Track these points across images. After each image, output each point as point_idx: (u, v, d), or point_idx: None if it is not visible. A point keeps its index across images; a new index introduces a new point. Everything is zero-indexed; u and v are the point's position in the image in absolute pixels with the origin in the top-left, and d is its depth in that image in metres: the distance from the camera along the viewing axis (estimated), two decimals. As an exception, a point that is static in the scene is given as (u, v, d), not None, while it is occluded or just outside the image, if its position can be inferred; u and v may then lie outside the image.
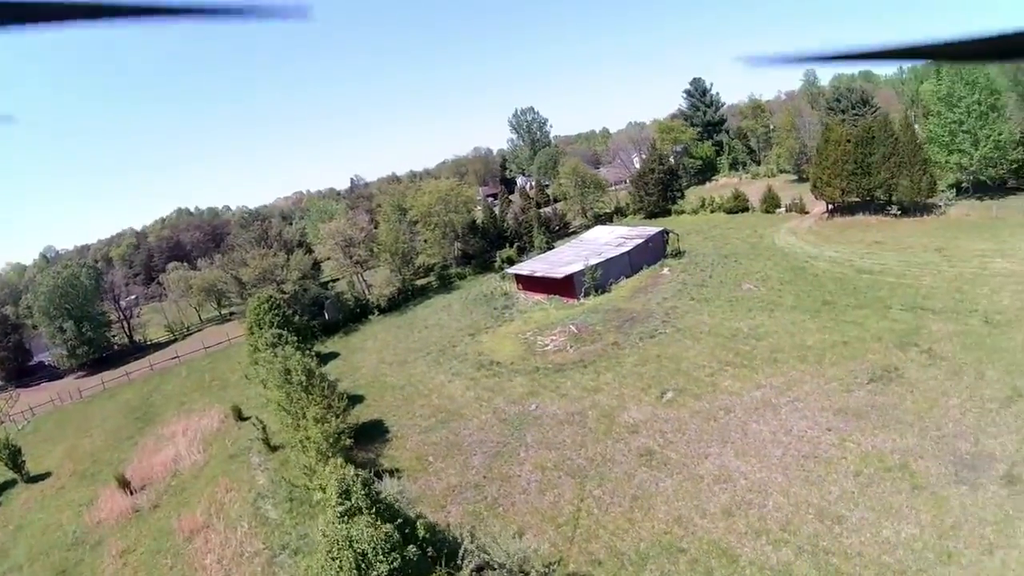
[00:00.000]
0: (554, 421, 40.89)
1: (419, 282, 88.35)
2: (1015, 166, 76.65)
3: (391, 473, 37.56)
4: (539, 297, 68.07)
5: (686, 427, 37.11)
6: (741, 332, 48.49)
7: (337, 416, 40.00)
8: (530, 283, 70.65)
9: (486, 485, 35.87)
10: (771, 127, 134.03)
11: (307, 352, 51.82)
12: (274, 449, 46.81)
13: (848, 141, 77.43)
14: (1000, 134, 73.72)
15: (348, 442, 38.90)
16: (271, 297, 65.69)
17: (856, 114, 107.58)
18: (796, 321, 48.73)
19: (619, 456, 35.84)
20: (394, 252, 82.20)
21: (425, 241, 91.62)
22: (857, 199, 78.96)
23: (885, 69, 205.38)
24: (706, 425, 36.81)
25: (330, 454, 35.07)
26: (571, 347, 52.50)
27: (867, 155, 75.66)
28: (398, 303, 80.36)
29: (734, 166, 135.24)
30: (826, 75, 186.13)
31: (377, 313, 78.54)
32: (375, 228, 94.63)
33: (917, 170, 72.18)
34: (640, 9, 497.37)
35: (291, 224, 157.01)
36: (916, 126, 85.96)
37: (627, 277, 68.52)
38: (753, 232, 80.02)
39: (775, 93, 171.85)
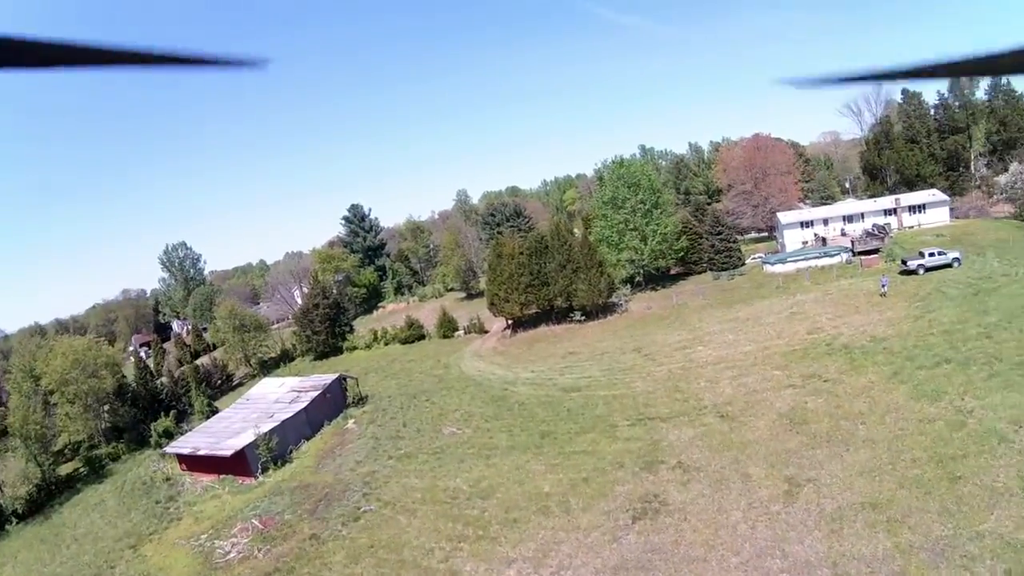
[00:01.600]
0: None
1: (64, 469, 67.79)
2: (681, 255, 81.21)
3: None
4: (209, 479, 53.54)
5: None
6: (462, 492, 39.21)
7: None
8: (196, 463, 55.98)
9: None
10: (431, 247, 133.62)
11: None
12: None
13: (521, 253, 75.14)
14: (666, 228, 78.38)
15: None
16: None
17: (512, 226, 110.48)
18: (520, 465, 40.82)
19: None
20: (26, 436, 62.55)
21: (67, 415, 71.88)
22: (538, 310, 76.19)
23: (530, 183, 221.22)
24: (463, 639, 26.75)
25: None
26: (260, 551, 39.78)
27: (542, 265, 73.79)
28: (40, 503, 59.45)
29: (399, 290, 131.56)
30: (476, 193, 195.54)
31: (16, 521, 57.50)
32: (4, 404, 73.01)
33: (594, 273, 71.33)
34: (291, 137, 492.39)
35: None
36: (575, 231, 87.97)
37: (308, 439, 56.72)
38: (436, 362, 72.68)
39: (429, 213, 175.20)
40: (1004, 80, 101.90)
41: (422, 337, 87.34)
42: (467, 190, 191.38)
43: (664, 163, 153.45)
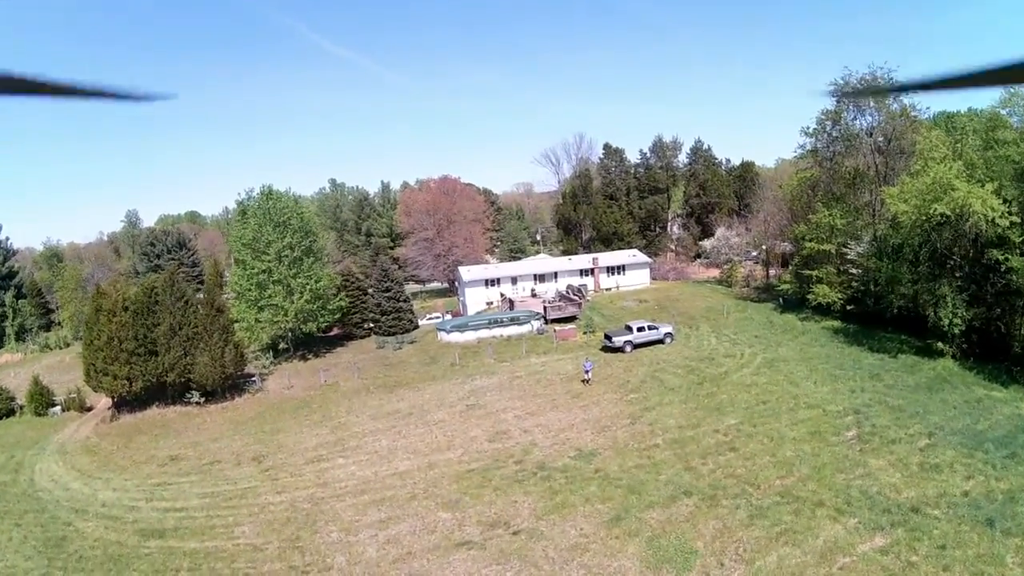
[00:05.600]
0: None
1: None
2: (339, 316, 65.81)
3: None
4: None
5: None
6: None
7: None
8: None
9: None
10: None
11: None
12: None
13: (126, 309, 53.84)
14: (318, 281, 62.28)
15: None
16: None
17: (173, 259, 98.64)
18: None
19: None
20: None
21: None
22: (146, 386, 54.84)
23: (211, 209, 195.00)
24: None
25: None
26: None
27: (151, 327, 53.35)
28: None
29: (21, 335, 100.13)
30: (151, 217, 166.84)
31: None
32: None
33: (217, 340, 52.37)
34: None
35: None
36: (227, 273, 70.98)
37: None
38: (9, 459, 46.14)
39: (97, 235, 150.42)
40: (705, 145, 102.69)
41: (12, 412, 61.65)
42: (138, 211, 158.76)
43: (352, 198, 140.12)
